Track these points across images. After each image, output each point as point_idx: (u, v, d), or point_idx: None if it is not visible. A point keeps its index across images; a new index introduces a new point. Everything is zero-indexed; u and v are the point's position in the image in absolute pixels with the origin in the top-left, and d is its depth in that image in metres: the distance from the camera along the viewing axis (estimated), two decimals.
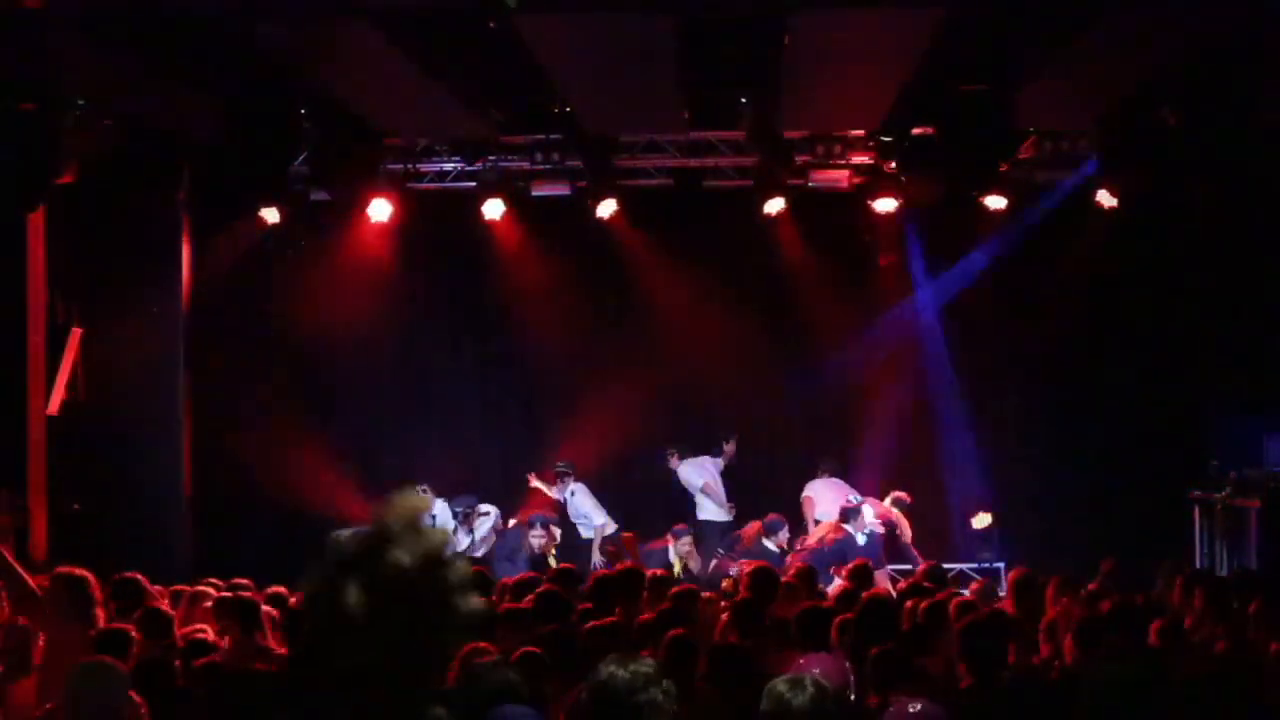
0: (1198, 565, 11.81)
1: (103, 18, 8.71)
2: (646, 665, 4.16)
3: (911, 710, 4.63)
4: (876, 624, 6.86)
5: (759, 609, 7.55)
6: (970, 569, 12.92)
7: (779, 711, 4.10)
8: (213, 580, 9.15)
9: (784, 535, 12.32)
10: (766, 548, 12.09)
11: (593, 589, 8.32)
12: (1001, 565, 12.76)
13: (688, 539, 12.38)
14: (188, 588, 9.02)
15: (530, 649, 6.01)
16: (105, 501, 12.61)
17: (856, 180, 12.96)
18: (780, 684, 4.18)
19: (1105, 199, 12.78)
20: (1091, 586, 8.86)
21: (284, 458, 14.09)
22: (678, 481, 13.54)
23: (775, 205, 13.00)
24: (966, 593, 9.56)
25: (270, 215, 12.90)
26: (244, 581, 8.95)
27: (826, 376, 14.14)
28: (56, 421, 11.82)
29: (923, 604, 7.65)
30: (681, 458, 13.49)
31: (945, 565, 10.97)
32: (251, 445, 14.07)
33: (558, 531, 12.77)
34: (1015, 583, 9.06)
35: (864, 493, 12.84)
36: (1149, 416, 13.57)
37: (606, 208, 13.15)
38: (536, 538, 12.25)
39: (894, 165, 12.17)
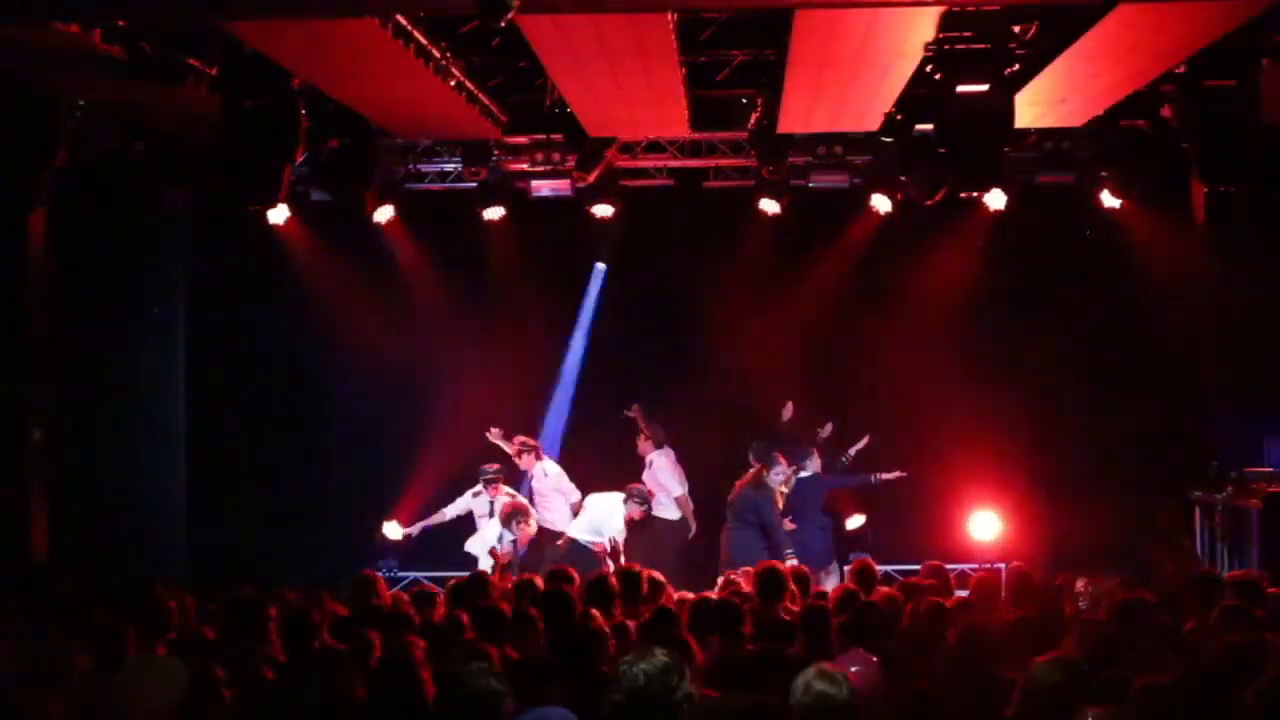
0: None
1: (103, 17, 8.70)
2: (663, 656, 4.23)
3: (854, 669, 4.75)
4: (872, 626, 6.86)
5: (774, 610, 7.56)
6: (971, 569, 12.90)
7: (819, 705, 4.09)
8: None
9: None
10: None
11: (593, 589, 8.30)
12: (1002, 566, 12.74)
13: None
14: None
15: (534, 655, 6.00)
16: (105, 501, 12.61)
17: (856, 180, 12.96)
18: (816, 679, 4.17)
19: (1105, 199, 12.80)
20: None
21: (283, 458, 14.11)
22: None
23: (775, 205, 13.01)
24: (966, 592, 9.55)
25: (276, 215, 12.91)
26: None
27: (826, 376, 14.14)
28: (57, 422, 11.81)
29: (923, 605, 7.65)
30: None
31: (947, 565, 10.95)
32: (251, 446, 14.08)
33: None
34: (1010, 580, 9.08)
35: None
36: (1149, 416, 13.57)
37: (605, 208, 13.17)
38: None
39: (894, 165, 12.17)
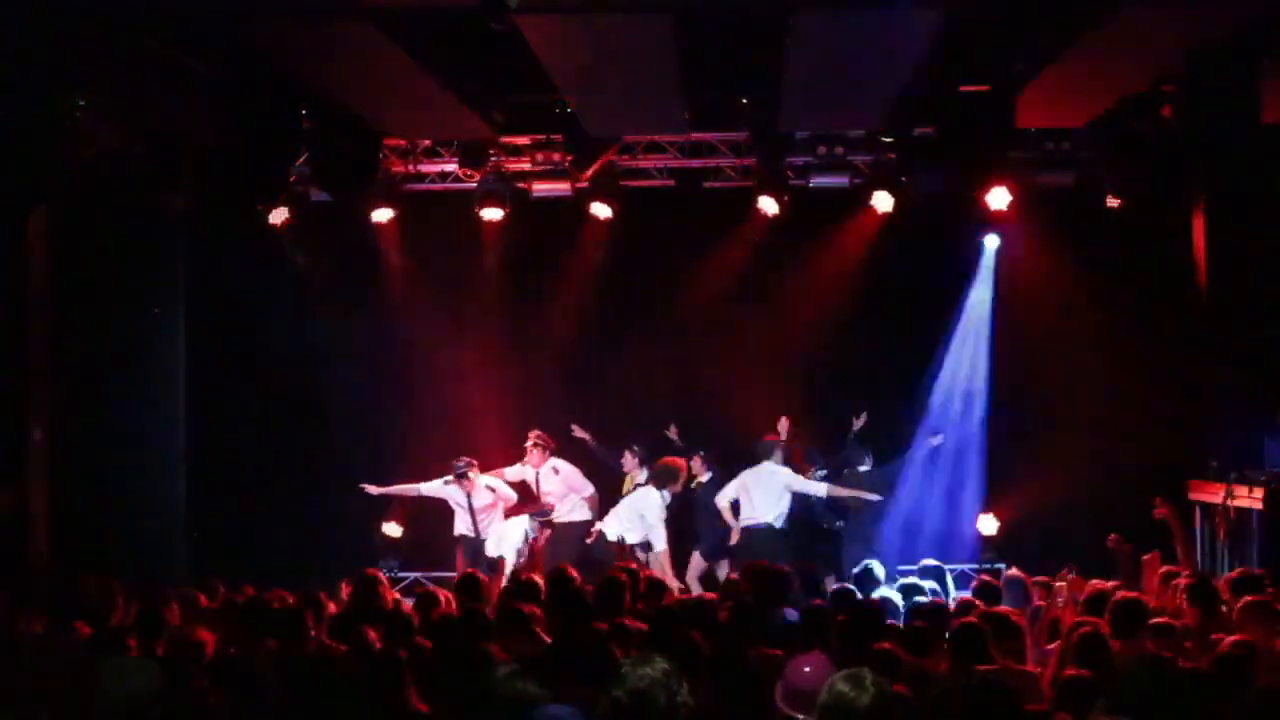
0: (1199, 567, 11.79)
1: (104, 17, 8.71)
2: (662, 662, 4.25)
3: (807, 669, 4.73)
4: (866, 626, 6.85)
5: (761, 610, 7.54)
6: (971, 569, 12.92)
7: (841, 709, 4.07)
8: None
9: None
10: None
11: (597, 590, 8.29)
12: (1003, 566, 12.76)
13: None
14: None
15: (538, 654, 6.00)
16: (105, 501, 12.61)
17: (856, 180, 12.97)
18: (841, 681, 4.15)
19: (1106, 199, 12.80)
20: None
21: (284, 458, 14.10)
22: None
23: (774, 205, 13.01)
24: (967, 593, 9.55)
25: (276, 215, 12.93)
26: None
27: (826, 378, 14.14)
28: (57, 421, 11.82)
29: (923, 605, 7.65)
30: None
31: (947, 566, 10.97)
32: (251, 446, 14.08)
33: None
34: (1009, 582, 9.09)
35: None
36: (1149, 416, 13.56)
37: (604, 208, 13.16)
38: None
39: (895, 165, 12.18)
